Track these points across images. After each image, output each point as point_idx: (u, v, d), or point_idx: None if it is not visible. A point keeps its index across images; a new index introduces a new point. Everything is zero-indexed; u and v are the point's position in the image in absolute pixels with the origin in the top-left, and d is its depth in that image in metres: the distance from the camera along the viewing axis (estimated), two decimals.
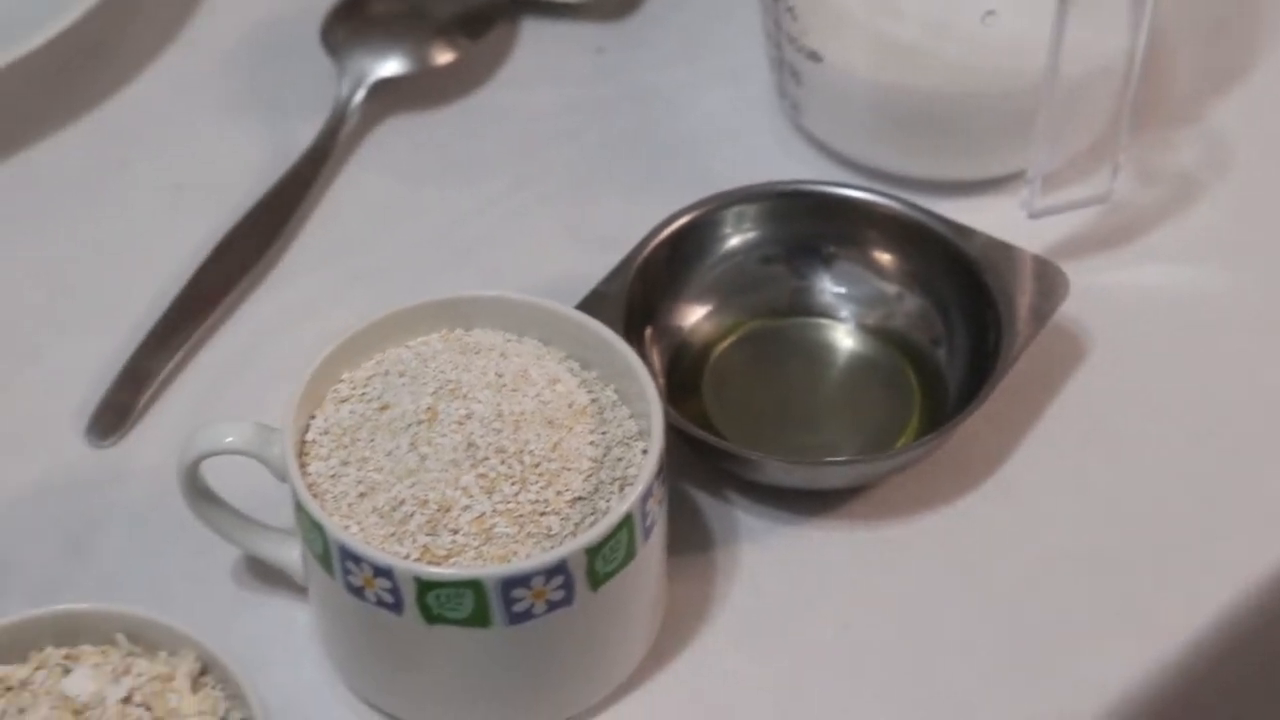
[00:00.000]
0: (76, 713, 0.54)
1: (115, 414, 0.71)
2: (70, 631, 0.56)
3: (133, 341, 0.73)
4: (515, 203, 0.79)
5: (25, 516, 0.69)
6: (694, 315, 0.72)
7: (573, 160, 0.80)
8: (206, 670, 0.56)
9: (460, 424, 0.60)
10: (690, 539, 0.66)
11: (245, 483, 0.64)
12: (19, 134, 0.81)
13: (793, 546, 0.66)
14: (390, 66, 0.81)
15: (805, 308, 0.73)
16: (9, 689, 0.55)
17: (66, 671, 0.55)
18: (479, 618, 0.57)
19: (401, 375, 0.62)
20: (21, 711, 0.54)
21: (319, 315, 0.75)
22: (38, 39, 0.77)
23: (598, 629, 0.60)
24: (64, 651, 0.56)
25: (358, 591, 0.58)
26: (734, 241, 0.73)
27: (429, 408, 0.61)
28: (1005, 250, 0.70)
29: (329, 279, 0.77)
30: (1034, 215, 0.72)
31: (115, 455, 0.71)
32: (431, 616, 0.57)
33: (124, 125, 0.83)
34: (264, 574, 0.66)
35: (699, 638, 0.64)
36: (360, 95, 0.80)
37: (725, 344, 0.72)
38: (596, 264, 0.70)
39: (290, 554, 0.64)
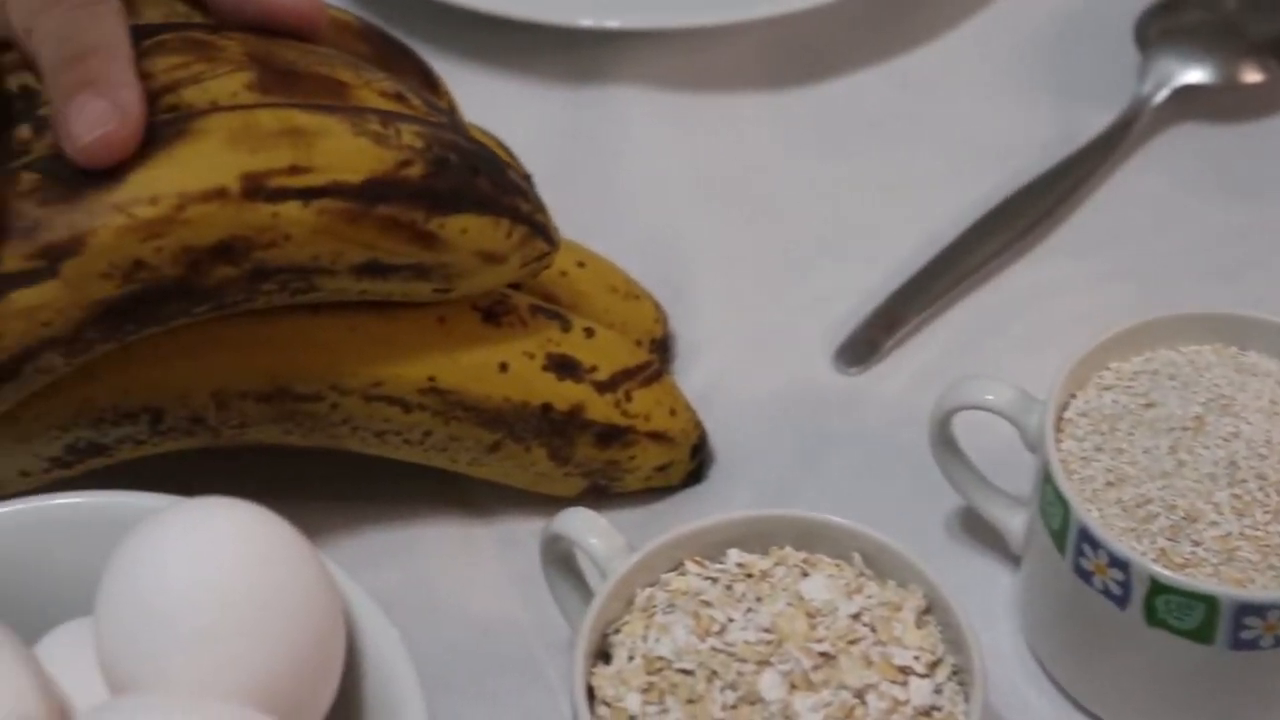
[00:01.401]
0: (809, 615, 0.55)
1: (865, 346, 0.73)
2: (809, 537, 0.58)
3: (894, 281, 0.74)
4: None
5: (767, 422, 0.71)
6: None
7: None
8: (930, 609, 0.56)
9: (1226, 440, 0.59)
10: None
11: (975, 439, 0.65)
12: (821, 69, 0.83)
13: None
14: (1196, 74, 0.80)
15: None
16: (750, 576, 0.57)
17: (804, 574, 0.57)
18: (1203, 633, 0.56)
19: (1172, 379, 0.62)
20: (759, 599, 0.56)
21: (1073, 297, 0.75)
22: None
23: None
24: (803, 555, 0.57)
25: (1085, 575, 0.58)
26: None
27: (1196, 416, 0.60)
28: None
29: (1089, 266, 0.76)
30: None
31: (857, 383, 0.72)
32: (1154, 619, 0.57)
33: (921, 79, 0.84)
34: (977, 530, 0.67)
35: None
36: (1161, 96, 0.80)
37: None
38: None
39: (1013, 520, 0.64)
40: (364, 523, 0.68)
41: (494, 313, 0.63)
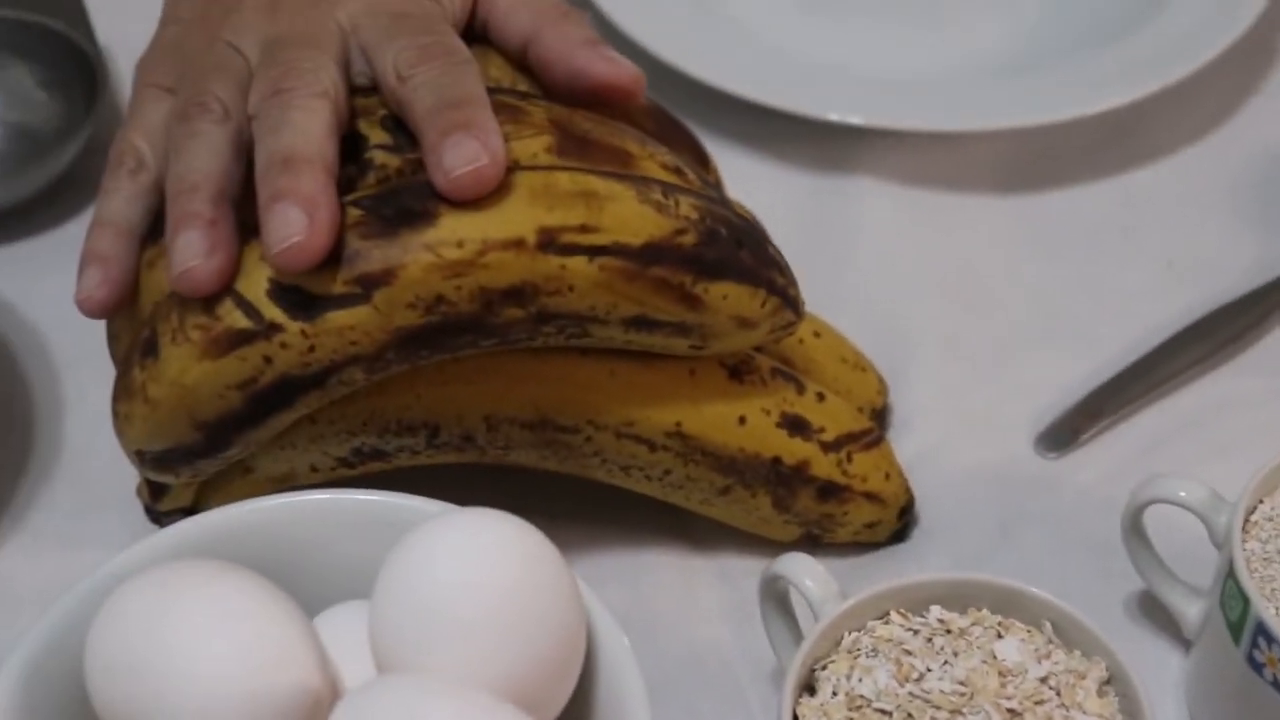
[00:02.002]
0: (1001, 673, 0.55)
1: (1066, 435, 0.73)
2: (1005, 603, 0.58)
3: (1097, 378, 0.74)
4: None
5: (968, 494, 0.71)
6: None
7: None
8: (1110, 680, 0.56)
9: None
10: None
11: (1162, 530, 0.64)
12: (1046, 179, 0.83)
13: None
14: None
15: None
16: (948, 631, 0.57)
17: (999, 636, 0.57)
18: None
19: None
20: (956, 654, 0.56)
21: (1260, 411, 0.74)
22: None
23: None
24: (998, 618, 0.57)
25: (1258, 666, 0.58)
26: None
27: None
28: None
29: (1267, 387, 0.75)
30: None
31: (1055, 468, 0.72)
32: None
33: (1138, 196, 0.83)
34: (1154, 614, 0.66)
35: None
36: None
37: None
38: None
39: (1189, 608, 0.64)
40: (599, 544, 0.69)
41: (739, 370, 0.64)
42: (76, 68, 0.82)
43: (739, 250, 0.60)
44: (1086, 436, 0.73)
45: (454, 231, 0.57)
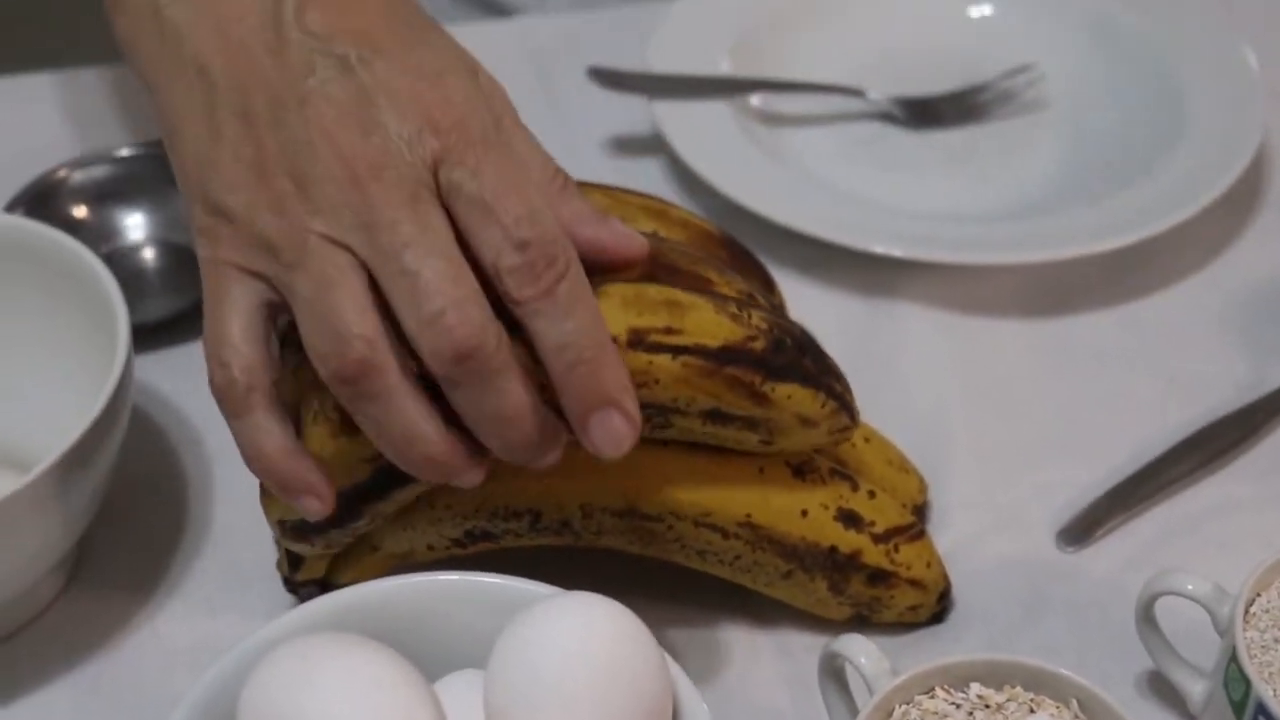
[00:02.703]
0: None
1: (1083, 531, 0.72)
2: (1036, 681, 0.57)
3: (1110, 481, 0.74)
4: None
5: (998, 582, 0.71)
6: None
7: None
8: None
9: None
10: None
11: (1169, 617, 0.64)
12: (1065, 305, 0.83)
13: None
14: None
15: None
16: (987, 706, 0.57)
17: (1031, 710, 0.57)
18: None
19: None
20: None
21: (1253, 513, 0.73)
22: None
23: None
24: (1031, 695, 0.57)
25: None
26: None
27: None
28: None
29: (1269, 488, 0.75)
30: None
31: (1074, 560, 0.71)
32: None
33: (1144, 321, 0.83)
34: (1163, 692, 0.66)
35: None
36: None
37: None
38: None
39: (1195, 688, 0.63)
40: (678, 621, 0.69)
41: (801, 469, 0.65)
42: None
43: (802, 357, 0.61)
44: (1101, 533, 0.72)
45: None
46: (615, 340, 0.58)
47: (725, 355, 0.60)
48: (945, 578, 0.69)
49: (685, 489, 0.64)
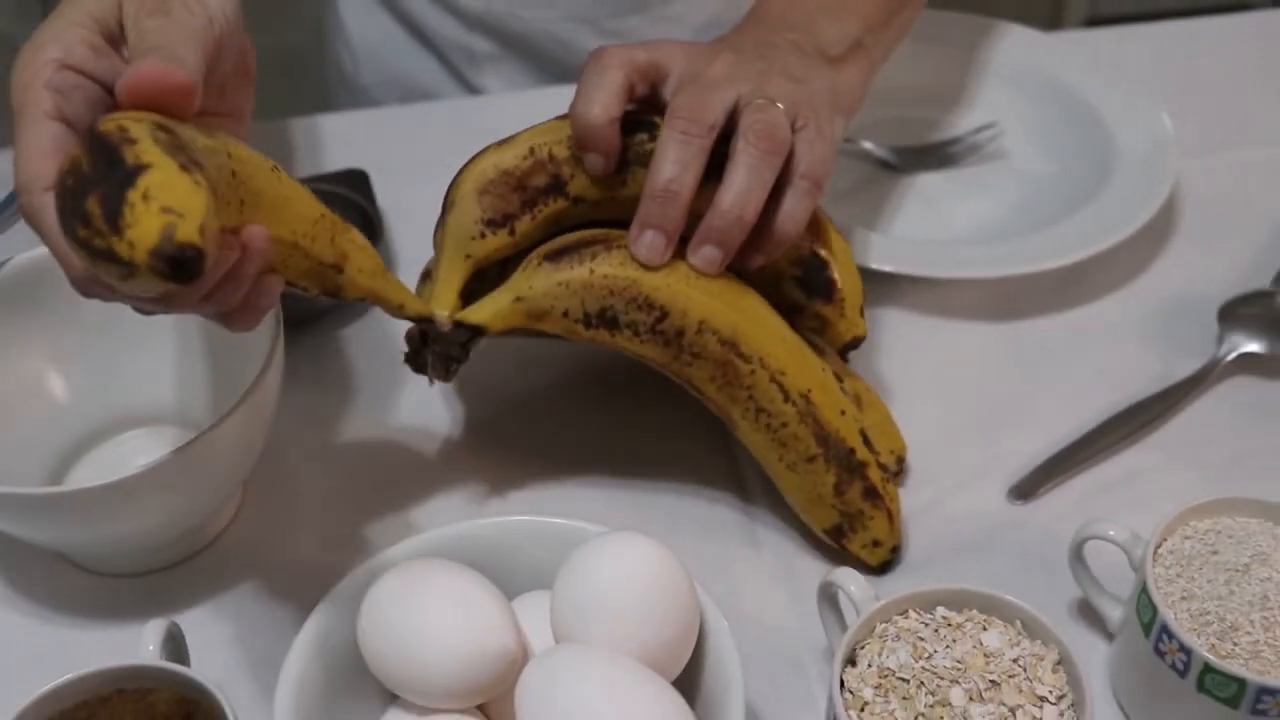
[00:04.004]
0: (986, 655, 0.55)
1: (1029, 488, 0.71)
2: (989, 606, 0.57)
3: (1051, 450, 0.73)
4: None
5: (961, 530, 0.70)
6: None
7: None
8: (1061, 661, 0.55)
9: (1262, 581, 0.58)
10: None
11: (1096, 557, 0.64)
12: (1020, 312, 0.82)
13: None
14: (1253, 345, 0.77)
15: None
16: (949, 625, 0.57)
17: (984, 629, 0.56)
18: (1233, 702, 0.55)
19: (1230, 537, 0.60)
20: (954, 641, 0.56)
21: (1166, 475, 0.72)
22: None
23: None
24: (985, 616, 0.57)
25: (1161, 654, 0.57)
26: None
27: (1244, 563, 0.59)
28: None
29: (1178, 455, 0.73)
30: None
31: (1021, 512, 0.71)
32: (1203, 689, 0.56)
33: (1082, 326, 0.81)
34: (1088, 616, 0.65)
35: None
36: (1230, 356, 0.77)
37: None
38: None
39: (1114, 612, 0.63)
40: (699, 555, 0.66)
41: (840, 380, 0.66)
42: (361, 218, 0.82)
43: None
44: (1043, 490, 0.71)
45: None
46: None
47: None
48: (900, 534, 0.68)
49: (775, 345, 0.63)
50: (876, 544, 0.66)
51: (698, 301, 0.61)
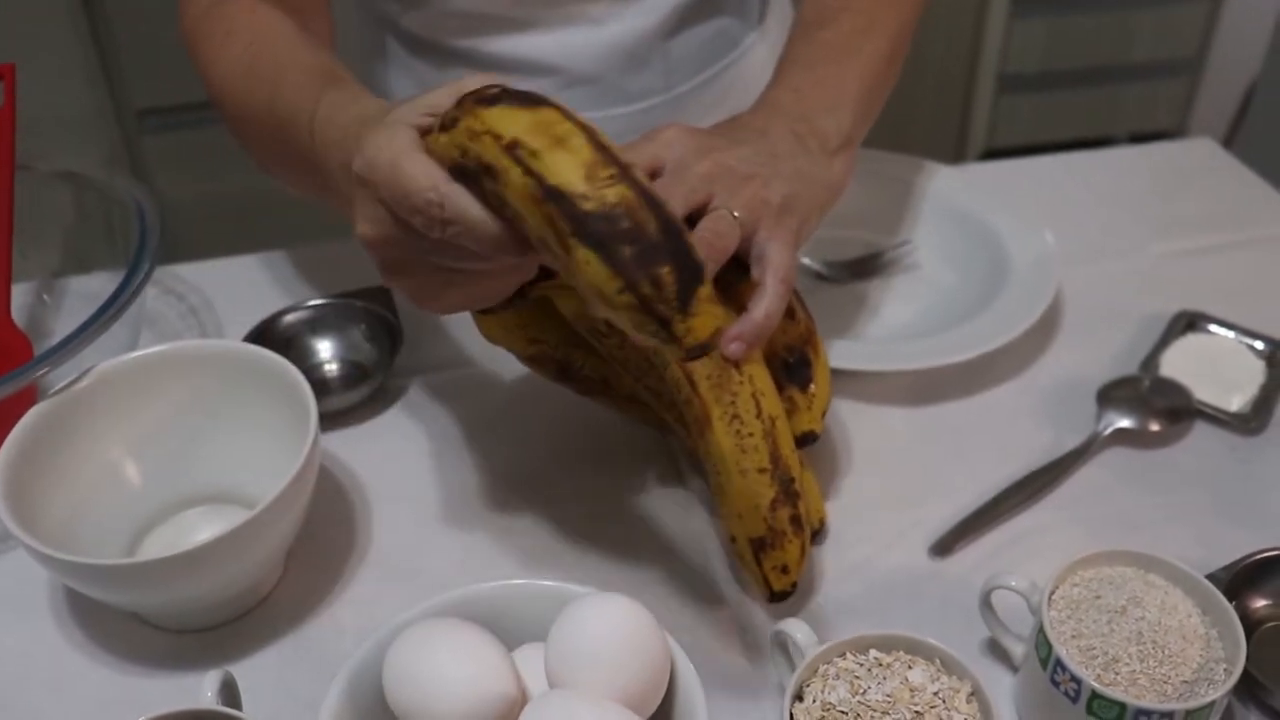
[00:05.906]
0: (911, 689, 0.55)
1: (946, 546, 0.72)
2: (914, 647, 0.57)
3: (964, 513, 0.73)
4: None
5: (889, 582, 0.70)
6: None
7: None
8: (974, 693, 0.55)
9: (1137, 620, 0.58)
10: None
11: (1001, 603, 0.63)
12: (936, 396, 0.82)
13: None
14: (1126, 422, 0.78)
15: None
16: (880, 664, 0.56)
17: (909, 666, 0.56)
18: None
19: (1110, 584, 0.61)
20: (884, 678, 0.55)
21: (1057, 533, 0.72)
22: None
23: None
24: (910, 657, 0.57)
25: (1056, 684, 0.57)
26: None
27: (1122, 606, 0.59)
28: None
29: (1067, 515, 0.74)
30: None
31: (939, 566, 0.71)
32: (1091, 712, 0.56)
33: (987, 406, 0.82)
34: (996, 652, 0.65)
35: None
36: (1107, 431, 0.78)
37: None
38: None
39: (1017, 648, 0.63)
40: (675, 610, 0.68)
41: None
42: (386, 329, 0.83)
43: (625, 244, 0.47)
44: (958, 548, 0.71)
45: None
46: (499, 141, 0.47)
47: (552, 194, 0.46)
48: (802, 574, 0.65)
49: (761, 373, 0.62)
50: (784, 570, 0.62)
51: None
